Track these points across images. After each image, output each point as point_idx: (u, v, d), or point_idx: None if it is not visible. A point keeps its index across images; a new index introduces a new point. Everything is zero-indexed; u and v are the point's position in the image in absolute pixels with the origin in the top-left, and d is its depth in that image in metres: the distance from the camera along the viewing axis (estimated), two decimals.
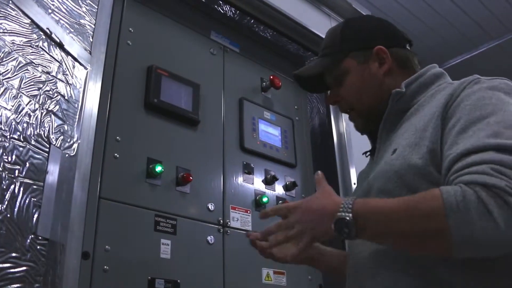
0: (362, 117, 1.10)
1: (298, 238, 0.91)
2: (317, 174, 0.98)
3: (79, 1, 1.35)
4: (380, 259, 0.91)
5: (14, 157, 1.01)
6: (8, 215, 0.96)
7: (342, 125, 2.17)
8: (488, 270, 0.80)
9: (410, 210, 0.78)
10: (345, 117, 2.18)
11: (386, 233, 0.82)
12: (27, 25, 1.14)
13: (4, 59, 1.04)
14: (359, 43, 1.10)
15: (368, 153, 1.16)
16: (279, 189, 1.88)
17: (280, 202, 1.83)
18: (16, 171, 1.01)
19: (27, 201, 1.01)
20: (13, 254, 0.96)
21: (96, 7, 1.42)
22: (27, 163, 1.04)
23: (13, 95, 1.04)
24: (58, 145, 1.15)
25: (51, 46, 1.20)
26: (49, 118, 1.14)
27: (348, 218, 0.81)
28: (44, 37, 1.18)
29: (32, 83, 1.11)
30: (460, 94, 0.90)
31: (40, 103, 1.12)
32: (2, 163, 0.98)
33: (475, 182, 0.74)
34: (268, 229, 0.99)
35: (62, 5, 1.28)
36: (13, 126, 1.02)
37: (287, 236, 0.94)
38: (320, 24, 2.23)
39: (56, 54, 1.21)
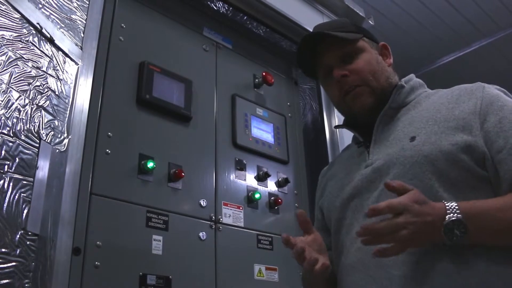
0: (374, 95, 1.10)
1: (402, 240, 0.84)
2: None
3: None
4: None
5: (3, 152, 1.01)
6: None
7: (335, 122, 2.18)
8: None
9: None
10: (337, 114, 2.18)
11: (498, 230, 0.85)
12: (17, 20, 1.13)
13: None
14: (368, 33, 1.18)
15: (360, 144, 1.16)
16: (271, 186, 1.88)
17: (272, 198, 1.83)
18: (6, 166, 1.00)
19: (16, 197, 1.01)
20: (2, 250, 0.95)
21: (88, 2, 1.41)
22: (17, 159, 1.04)
23: (2, 90, 1.04)
24: (48, 141, 1.15)
25: (41, 41, 1.19)
26: (39, 114, 1.13)
27: (459, 218, 0.82)
28: (34, 32, 1.17)
29: (22, 78, 1.10)
30: (483, 95, 0.99)
31: (30, 98, 1.11)
32: None
33: None
34: (375, 228, 0.85)
35: (52, 0, 1.27)
36: (3, 121, 1.02)
37: (396, 238, 0.83)
38: (313, 21, 2.22)
39: (47, 49, 1.20)
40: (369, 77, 1.10)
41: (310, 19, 2.21)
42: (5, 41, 1.08)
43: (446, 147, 0.94)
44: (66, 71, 1.27)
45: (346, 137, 2.12)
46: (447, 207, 0.84)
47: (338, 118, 2.17)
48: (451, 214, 0.83)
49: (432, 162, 0.94)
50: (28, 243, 1.02)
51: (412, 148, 0.98)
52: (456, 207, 0.84)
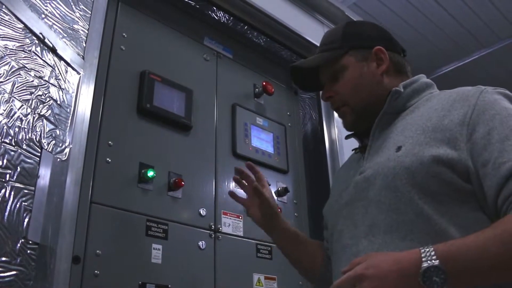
0: (355, 113, 1.11)
1: None
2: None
3: (73, 6, 1.36)
4: None
5: (5, 161, 1.01)
6: None
7: (334, 132, 2.19)
8: None
9: (506, 243, 0.77)
10: (337, 123, 2.19)
11: (482, 271, 0.78)
12: (20, 30, 1.14)
13: None
14: (359, 42, 1.15)
15: (357, 150, 1.17)
16: None
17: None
18: (7, 175, 1.01)
19: (17, 205, 1.01)
20: (3, 259, 0.95)
21: (90, 12, 1.42)
22: (18, 168, 1.04)
23: (5, 100, 1.04)
24: (49, 150, 1.15)
25: (44, 51, 1.20)
26: (41, 123, 1.14)
27: (437, 264, 0.76)
28: (37, 41, 1.18)
29: (25, 88, 1.11)
30: (477, 102, 0.94)
31: (32, 107, 1.12)
32: None
33: None
34: None
35: (55, 10, 1.28)
36: (5, 131, 1.03)
37: None
38: (313, 31, 2.24)
39: (49, 59, 1.21)
40: (349, 97, 1.11)
41: (310, 29, 2.23)
42: (8, 51, 1.09)
43: (426, 159, 0.91)
44: (68, 81, 1.28)
45: (346, 146, 2.13)
46: (422, 254, 0.78)
47: (337, 128, 2.18)
48: (427, 262, 0.77)
49: (412, 174, 0.91)
50: (28, 251, 1.02)
51: (396, 159, 0.96)
52: (432, 253, 0.78)
